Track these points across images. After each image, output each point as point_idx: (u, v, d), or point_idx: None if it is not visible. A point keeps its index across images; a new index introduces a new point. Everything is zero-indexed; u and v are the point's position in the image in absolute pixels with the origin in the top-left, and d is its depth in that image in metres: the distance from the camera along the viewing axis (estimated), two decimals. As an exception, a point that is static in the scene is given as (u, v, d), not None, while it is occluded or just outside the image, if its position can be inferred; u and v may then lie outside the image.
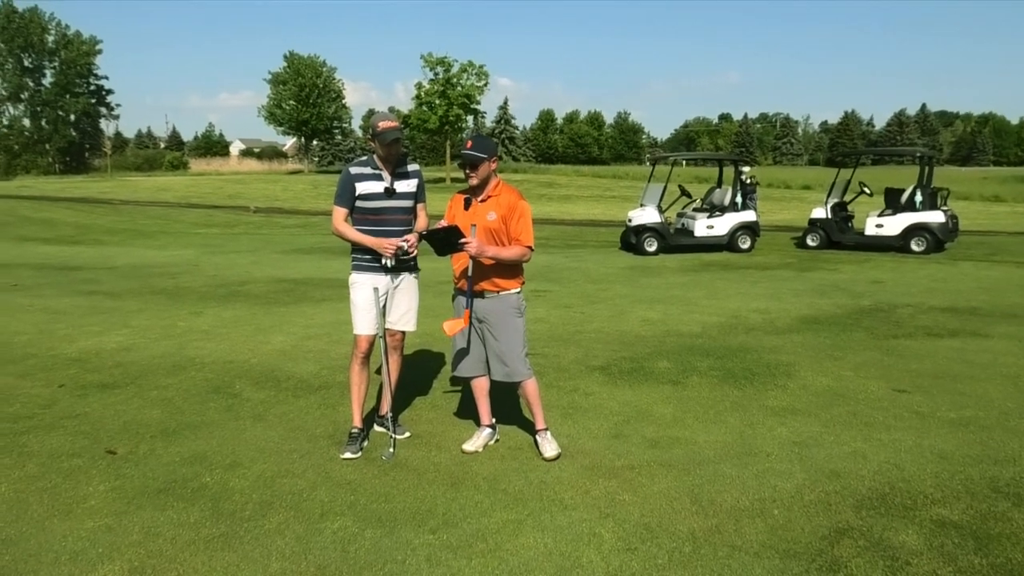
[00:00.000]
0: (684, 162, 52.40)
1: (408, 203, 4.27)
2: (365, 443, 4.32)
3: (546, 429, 4.28)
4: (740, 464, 4.03)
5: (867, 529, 3.30)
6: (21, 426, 4.66)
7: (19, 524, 3.38)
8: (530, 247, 4.05)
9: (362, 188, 4.14)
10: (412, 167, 4.31)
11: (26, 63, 70.28)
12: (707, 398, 5.22)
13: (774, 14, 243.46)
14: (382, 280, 4.23)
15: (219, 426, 4.69)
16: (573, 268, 12.90)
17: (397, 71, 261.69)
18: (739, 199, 15.56)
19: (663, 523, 3.38)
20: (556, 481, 3.84)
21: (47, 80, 71.50)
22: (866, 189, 15.99)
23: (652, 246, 15.06)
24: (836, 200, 15.84)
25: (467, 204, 4.09)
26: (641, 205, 15.70)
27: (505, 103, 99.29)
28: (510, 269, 4.09)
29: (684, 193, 16.50)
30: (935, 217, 14.59)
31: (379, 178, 4.17)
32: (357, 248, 4.24)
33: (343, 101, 68.75)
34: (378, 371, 4.79)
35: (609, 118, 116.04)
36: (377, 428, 4.56)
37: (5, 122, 70.81)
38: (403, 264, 4.23)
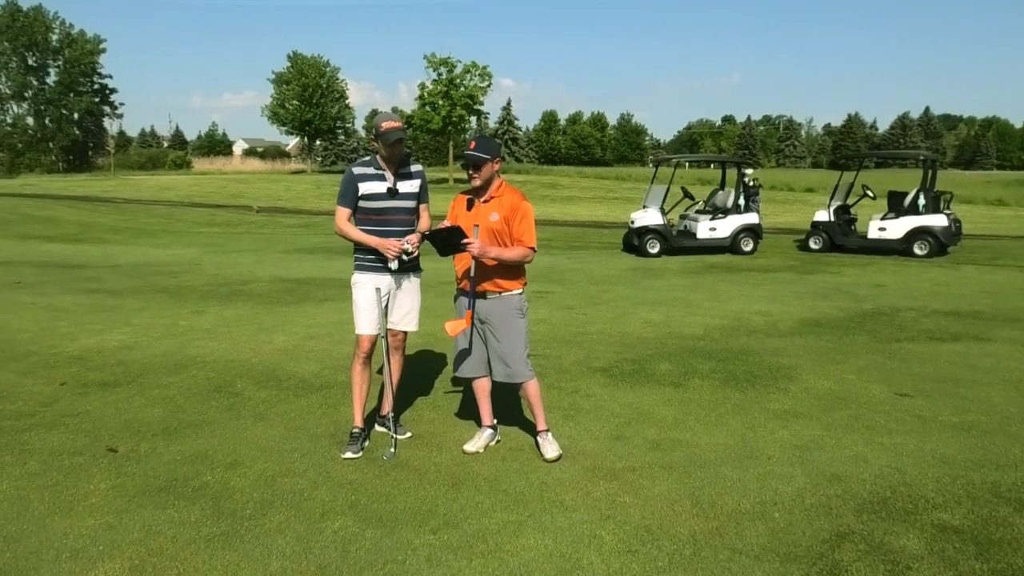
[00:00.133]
0: (687, 164, 52.45)
1: (411, 203, 4.27)
2: (366, 443, 4.32)
3: (547, 430, 4.27)
4: (741, 467, 4.02)
5: (868, 533, 3.29)
6: (22, 423, 4.67)
7: (20, 521, 3.39)
8: (533, 248, 4.05)
9: (365, 188, 4.14)
10: (415, 167, 4.31)
11: (30, 61, 70.36)
12: (708, 400, 5.22)
13: (777, 16, 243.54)
14: (384, 280, 4.24)
15: (220, 425, 4.69)
16: (575, 269, 12.90)
17: (400, 71, 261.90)
18: (742, 201, 15.55)
19: (664, 525, 3.37)
20: (557, 482, 3.84)
21: (51, 79, 71.63)
22: (869, 192, 15.97)
23: (654, 248, 15.05)
24: (839, 203, 15.83)
25: (470, 205, 4.10)
26: (644, 207, 15.70)
27: (508, 104, 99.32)
28: (512, 270, 4.09)
29: (687, 195, 16.50)
30: (938, 221, 14.57)
31: (382, 178, 4.17)
32: (360, 248, 4.24)
33: (346, 101, 68.83)
34: (380, 371, 4.80)
35: (612, 119, 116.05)
36: (378, 428, 4.56)
37: (9, 120, 70.85)
38: (406, 265, 4.23)
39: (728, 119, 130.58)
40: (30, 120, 71.82)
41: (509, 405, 4.84)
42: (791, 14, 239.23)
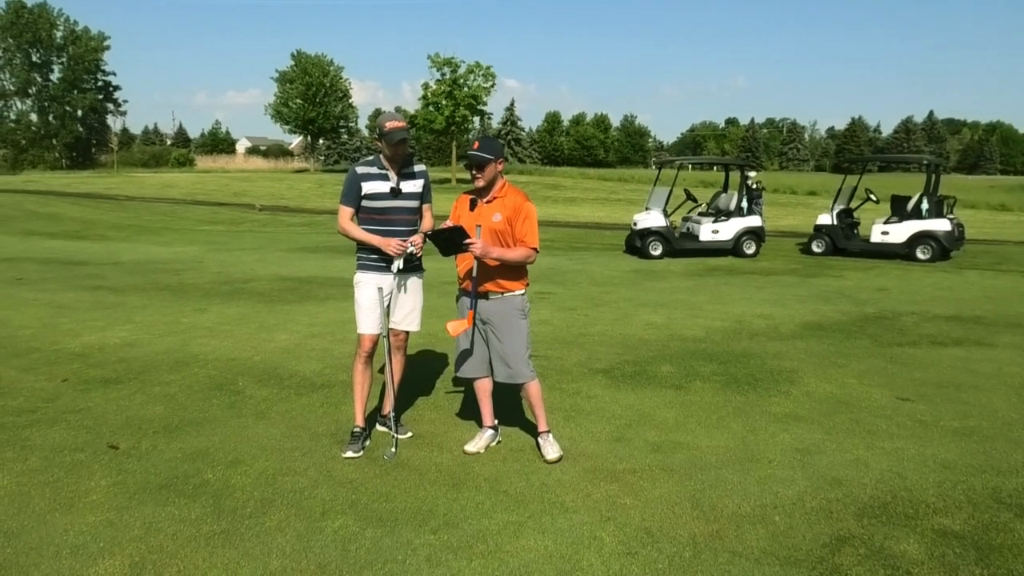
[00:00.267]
0: (690, 166, 52.49)
1: (414, 203, 4.27)
2: (367, 442, 4.32)
3: (548, 431, 4.28)
4: (742, 470, 4.02)
5: (868, 537, 3.29)
6: (24, 420, 4.68)
7: (21, 517, 3.39)
8: (535, 249, 4.05)
9: (368, 188, 4.14)
10: (418, 167, 4.31)
11: (34, 58, 70.45)
12: (710, 403, 5.21)
13: (782, 19, 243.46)
14: (386, 280, 4.24)
15: (221, 423, 4.69)
16: (577, 271, 12.90)
17: (404, 71, 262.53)
18: (745, 204, 15.54)
19: (664, 528, 3.37)
20: (557, 484, 3.84)
21: (55, 75, 71.67)
22: (872, 196, 15.95)
23: (657, 250, 15.04)
24: (842, 206, 15.82)
25: (473, 205, 4.10)
26: (646, 209, 15.69)
27: (511, 104, 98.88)
28: (514, 270, 4.09)
29: (690, 197, 16.48)
30: (941, 225, 14.55)
31: (385, 178, 4.17)
32: (362, 247, 4.24)
33: (350, 100, 68.93)
34: (381, 370, 4.79)
35: (615, 121, 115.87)
36: (379, 427, 4.56)
37: (13, 117, 71.01)
38: (408, 265, 4.23)
39: (731, 122, 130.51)
40: (34, 117, 71.92)
41: (510, 406, 4.84)
42: (795, 17, 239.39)
